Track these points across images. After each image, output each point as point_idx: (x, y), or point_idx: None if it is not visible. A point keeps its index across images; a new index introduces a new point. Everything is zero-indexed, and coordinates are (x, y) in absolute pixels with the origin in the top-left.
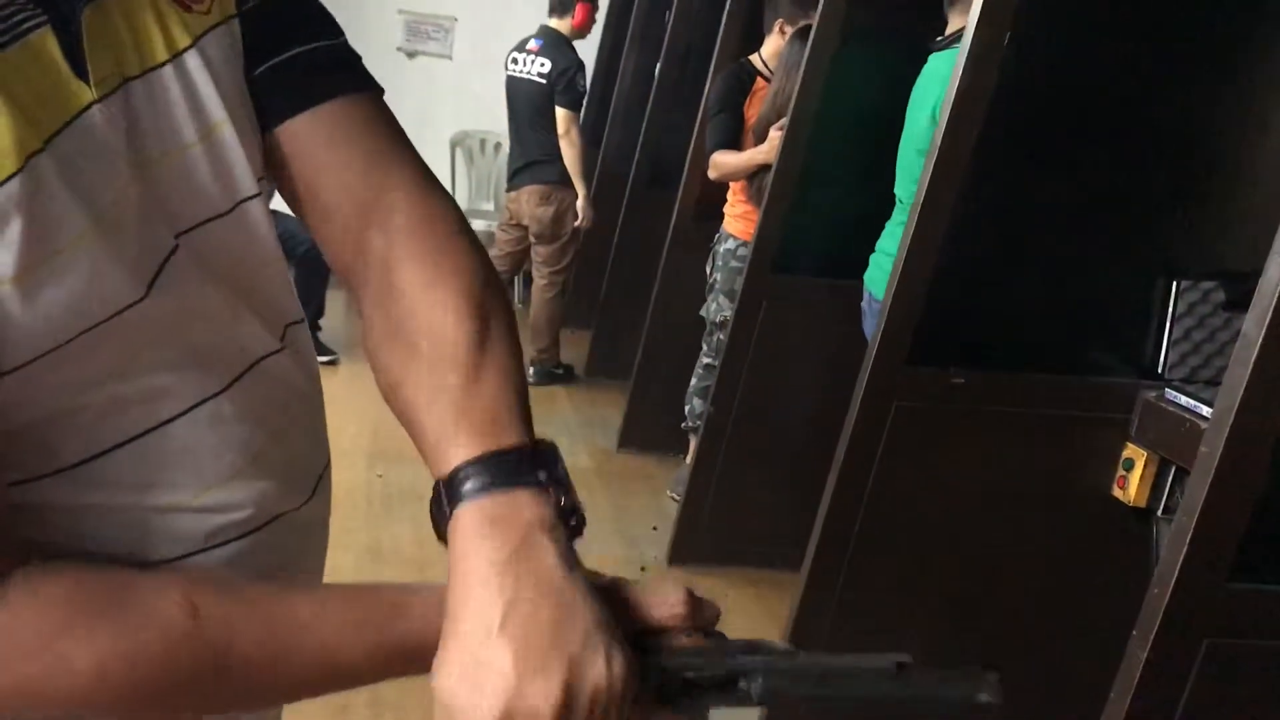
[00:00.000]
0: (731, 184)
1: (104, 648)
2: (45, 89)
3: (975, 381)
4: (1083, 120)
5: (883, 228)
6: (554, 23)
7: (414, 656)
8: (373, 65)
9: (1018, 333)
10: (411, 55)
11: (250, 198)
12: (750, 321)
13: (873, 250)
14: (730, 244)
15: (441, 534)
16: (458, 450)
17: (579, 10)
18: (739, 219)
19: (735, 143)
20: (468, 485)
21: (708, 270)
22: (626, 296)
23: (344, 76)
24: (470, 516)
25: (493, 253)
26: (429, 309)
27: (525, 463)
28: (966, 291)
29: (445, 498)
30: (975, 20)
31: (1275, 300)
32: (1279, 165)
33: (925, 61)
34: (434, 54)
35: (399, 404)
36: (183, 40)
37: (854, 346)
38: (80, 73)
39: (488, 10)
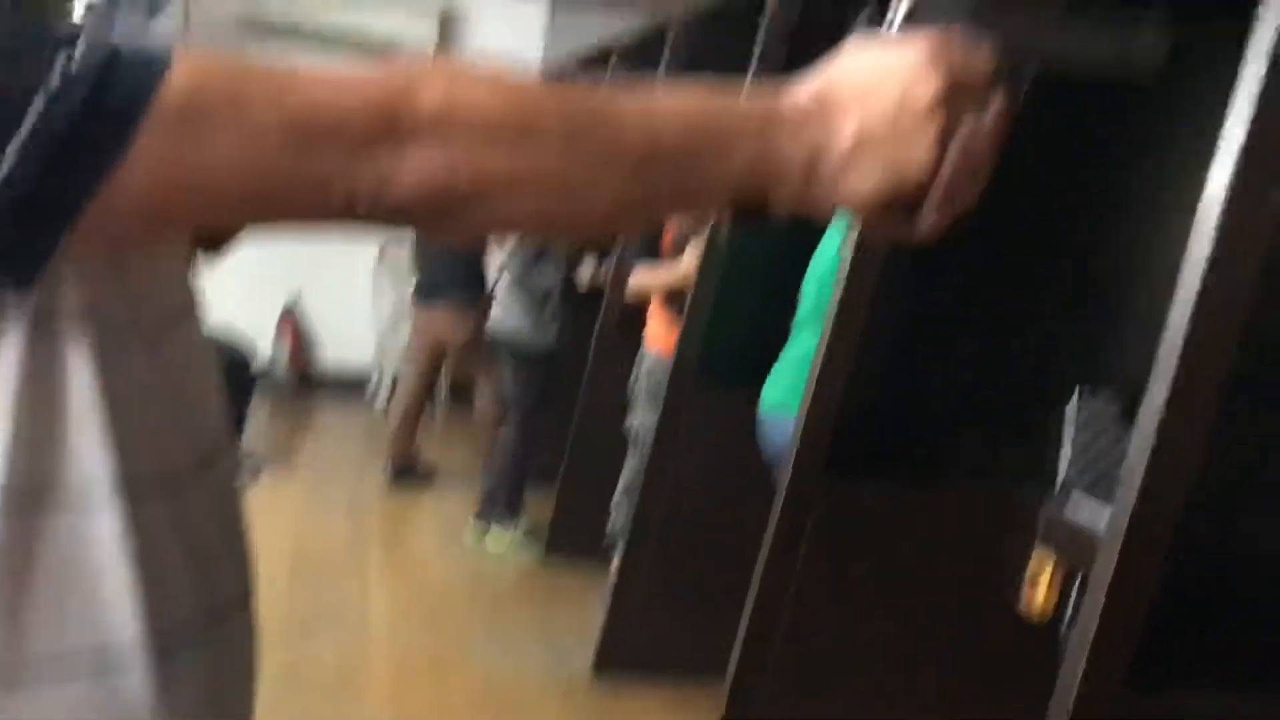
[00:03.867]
0: (653, 297)
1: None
2: None
3: (890, 492)
4: (985, 235)
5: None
6: None
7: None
8: None
9: (929, 443)
10: None
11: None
12: (672, 432)
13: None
14: (653, 356)
15: None
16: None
17: None
18: (661, 332)
19: (653, 255)
20: None
21: (631, 384)
22: (554, 407)
23: None
24: None
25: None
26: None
27: None
28: (881, 403)
29: None
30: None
31: (1158, 423)
32: (1170, 278)
33: None
34: None
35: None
36: None
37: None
38: None
39: None
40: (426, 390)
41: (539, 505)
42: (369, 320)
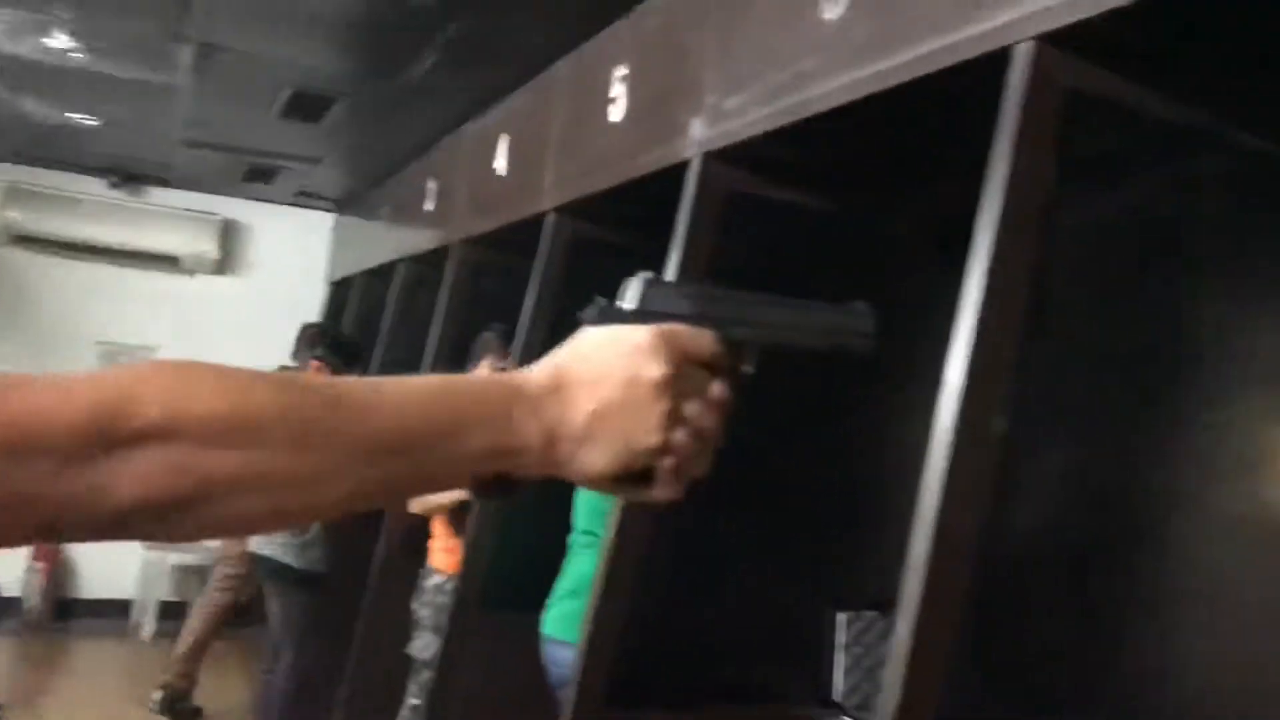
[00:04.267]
0: (435, 518)
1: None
2: None
3: (672, 717)
4: (752, 465)
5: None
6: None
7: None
8: None
9: (708, 669)
10: None
11: None
12: (456, 660)
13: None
14: (437, 579)
15: None
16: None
17: (313, 366)
18: (444, 553)
19: None
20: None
21: (414, 606)
22: (330, 633)
23: None
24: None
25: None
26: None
27: None
28: (660, 631)
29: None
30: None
31: (908, 653)
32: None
33: None
34: None
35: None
36: None
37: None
38: None
39: (191, 340)
40: (227, 616)
41: None
42: (133, 543)
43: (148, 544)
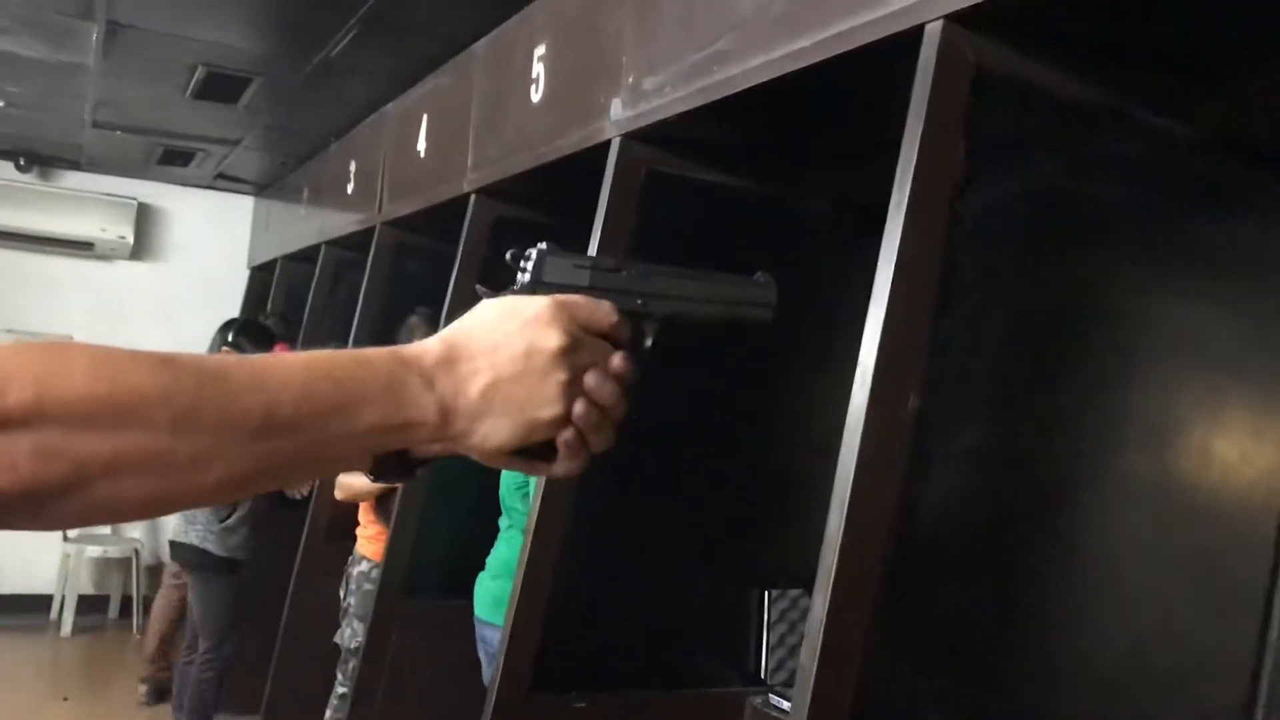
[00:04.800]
0: (361, 504)
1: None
2: None
3: (596, 704)
4: (670, 447)
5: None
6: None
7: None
8: None
9: (633, 652)
10: None
11: None
12: (382, 647)
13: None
14: (364, 566)
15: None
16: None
17: (278, 350)
18: (372, 540)
19: None
20: None
21: (341, 594)
22: (255, 622)
23: None
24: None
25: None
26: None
27: None
28: (583, 616)
29: None
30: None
31: (823, 629)
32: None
33: None
34: None
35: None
36: None
37: (470, 667)
38: None
39: (107, 328)
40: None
41: None
42: (51, 536)
43: (66, 536)
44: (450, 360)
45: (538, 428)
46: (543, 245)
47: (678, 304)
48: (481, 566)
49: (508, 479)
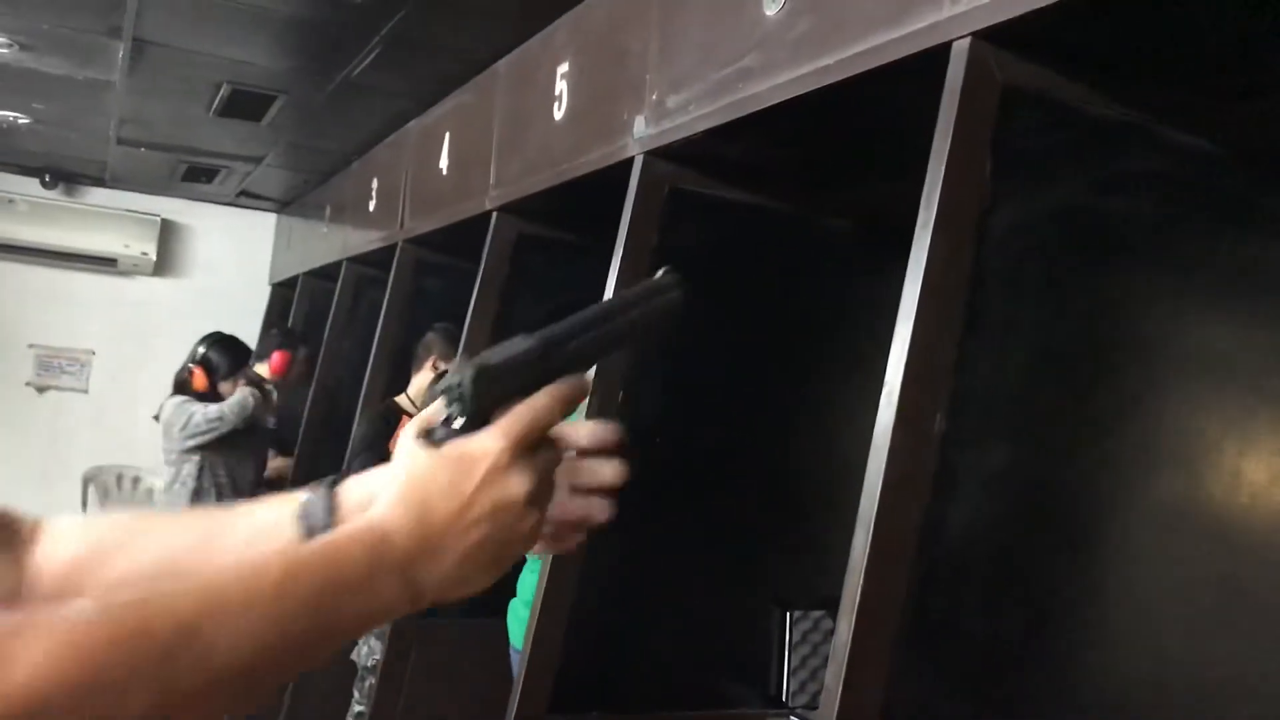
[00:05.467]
0: None
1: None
2: None
3: None
4: (693, 467)
5: (522, 561)
6: (258, 367)
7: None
8: None
9: (652, 673)
10: (42, 390)
11: None
12: (400, 666)
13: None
14: None
15: None
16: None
17: (276, 357)
18: None
19: None
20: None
21: None
22: None
23: None
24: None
25: None
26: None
27: None
28: (602, 636)
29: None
30: (591, 382)
31: (848, 652)
32: (858, 501)
33: None
34: (68, 388)
35: None
36: None
37: (504, 688)
38: None
39: (129, 344)
40: None
41: None
42: None
43: None
44: (422, 549)
45: (516, 558)
46: (464, 375)
47: (606, 342)
48: (503, 584)
49: None
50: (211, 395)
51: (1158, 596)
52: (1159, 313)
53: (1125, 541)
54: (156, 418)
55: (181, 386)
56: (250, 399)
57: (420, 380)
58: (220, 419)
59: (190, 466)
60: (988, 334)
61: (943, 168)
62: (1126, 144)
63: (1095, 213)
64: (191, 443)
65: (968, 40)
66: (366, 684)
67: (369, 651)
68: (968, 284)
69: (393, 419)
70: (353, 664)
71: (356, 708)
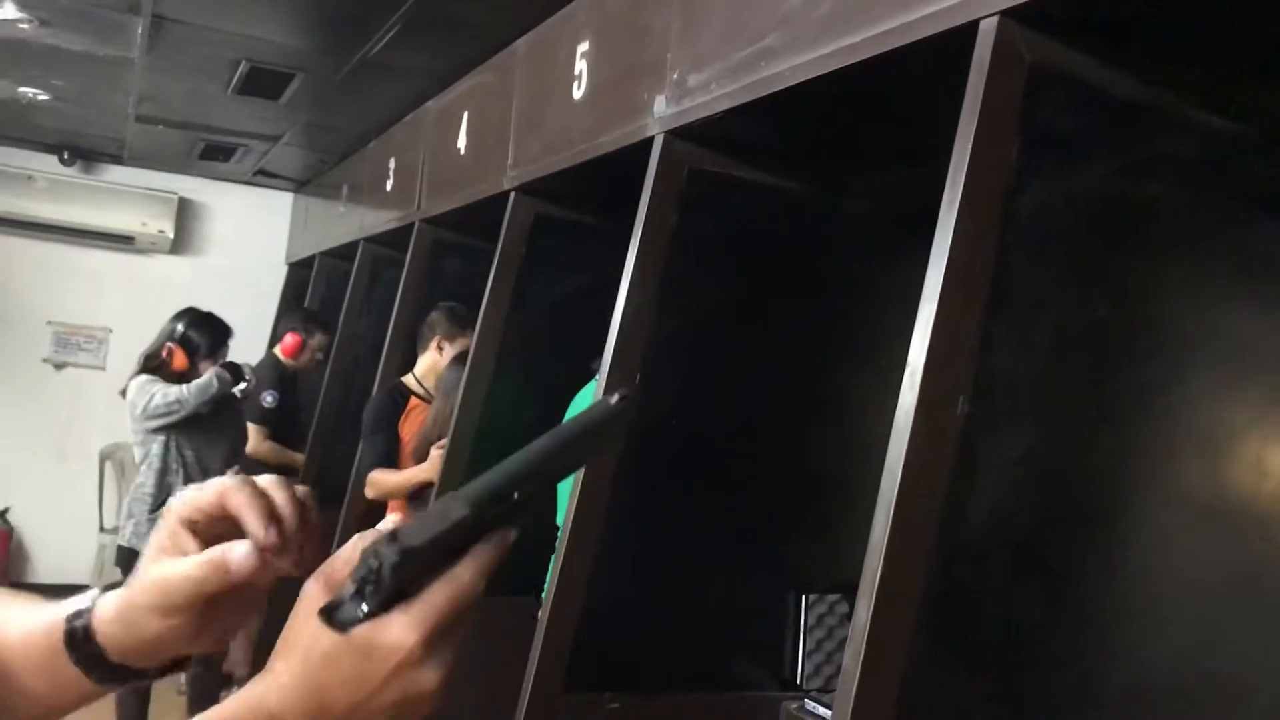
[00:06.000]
0: (390, 503)
1: None
2: None
3: (630, 704)
4: (709, 449)
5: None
6: (276, 349)
7: None
8: (16, 376)
9: (667, 653)
10: (59, 367)
11: None
12: None
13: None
14: None
15: None
16: None
17: (289, 338)
18: None
19: (391, 461)
20: None
21: None
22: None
23: None
24: None
25: None
26: None
27: None
28: (618, 616)
29: None
30: (608, 363)
31: (867, 635)
32: (876, 484)
33: (586, 379)
34: (85, 365)
35: None
36: None
37: (520, 667)
38: None
39: (146, 321)
40: None
41: None
42: (88, 528)
43: (101, 528)
44: None
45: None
46: (384, 558)
47: (544, 487)
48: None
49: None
50: (191, 374)
51: (1178, 584)
52: (1185, 298)
53: (1146, 529)
54: (123, 394)
55: (153, 364)
56: (215, 381)
57: (426, 360)
58: (179, 402)
59: (157, 446)
60: (1012, 317)
61: (969, 148)
62: (1155, 126)
63: (1123, 195)
64: (151, 424)
65: (995, 19)
66: None
67: None
68: (993, 266)
69: (400, 399)
70: None
71: None
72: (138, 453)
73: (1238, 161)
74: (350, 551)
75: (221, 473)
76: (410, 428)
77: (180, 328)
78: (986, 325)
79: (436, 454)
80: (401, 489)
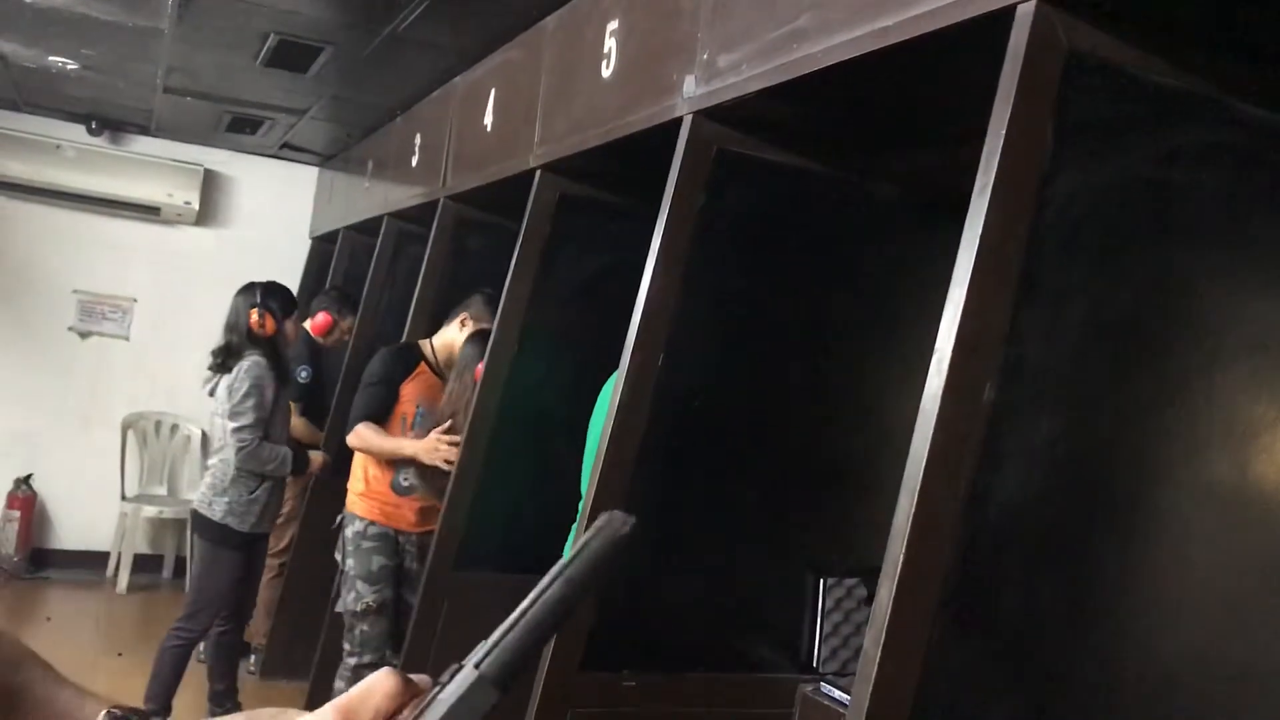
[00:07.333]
0: (363, 461)
1: None
2: None
3: (646, 683)
4: (731, 431)
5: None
6: (306, 324)
7: None
8: (42, 345)
9: (684, 634)
10: (85, 335)
11: None
12: (432, 620)
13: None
14: (358, 525)
15: None
16: None
17: (321, 316)
18: (364, 498)
19: (382, 417)
20: None
21: (338, 558)
22: (305, 593)
23: None
24: None
25: None
26: None
27: None
28: (636, 595)
29: None
30: (632, 344)
31: (888, 619)
32: (898, 469)
33: (608, 361)
34: (110, 334)
35: None
36: None
37: None
38: None
39: (170, 292)
40: (279, 573)
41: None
42: (110, 496)
43: (124, 495)
44: None
45: None
46: None
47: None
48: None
49: (586, 466)
50: (278, 337)
51: (1202, 575)
52: (1216, 289)
53: (1171, 519)
54: (212, 393)
55: (237, 342)
56: (287, 464)
57: (447, 334)
58: (272, 462)
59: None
60: (1042, 303)
61: (1003, 132)
62: (1192, 115)
63: (1158, 183)
64: (233, 424)
65: (1033, 4)
66: (356, 631)
67: (356, 596)
68: (1024, 252)
69: (411, 361)
70: (340, 617)
71: (349, 660)
72: (218, 425)
73: (1275, 152)
74: (381, 701)
75: (285, 443)
76: (410, 392)
77: (259, 297)
78: (1016, 312)
79: (434, 437)
80: (383, 454)
